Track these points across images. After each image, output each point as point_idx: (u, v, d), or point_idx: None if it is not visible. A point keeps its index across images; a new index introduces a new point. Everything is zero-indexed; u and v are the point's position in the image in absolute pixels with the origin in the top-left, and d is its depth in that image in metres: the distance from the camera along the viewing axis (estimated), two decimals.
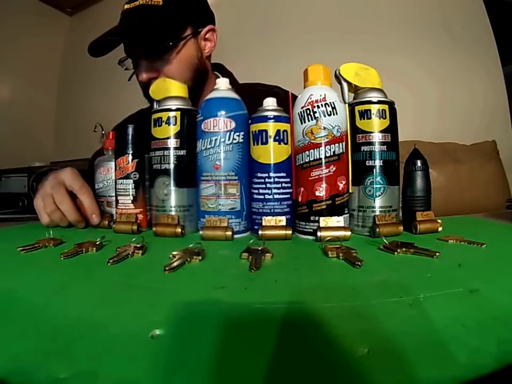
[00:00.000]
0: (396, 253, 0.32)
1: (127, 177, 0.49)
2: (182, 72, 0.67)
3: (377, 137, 0.42)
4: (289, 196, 0.44)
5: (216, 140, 0.44)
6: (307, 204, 0.42)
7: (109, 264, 0.30)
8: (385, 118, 0.42)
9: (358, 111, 0.43)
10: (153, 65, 0.65)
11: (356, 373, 0.15)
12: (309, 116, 0.41)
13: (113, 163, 0.54)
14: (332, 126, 0.41)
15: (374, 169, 0.42)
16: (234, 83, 0.79)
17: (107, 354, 0.16)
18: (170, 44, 0.65)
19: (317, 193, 0.41)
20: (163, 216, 0.45)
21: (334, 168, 0.41)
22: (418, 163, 0.45)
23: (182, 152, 0.46)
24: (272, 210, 0.44)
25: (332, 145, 0.41)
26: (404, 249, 0.33)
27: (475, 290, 0.23)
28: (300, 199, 0.43)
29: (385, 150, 0.42)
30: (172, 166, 0.46)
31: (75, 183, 0.50)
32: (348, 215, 0.43)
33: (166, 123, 0.46)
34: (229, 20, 2.00)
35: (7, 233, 0.52)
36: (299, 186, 0.43)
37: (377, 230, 0.39)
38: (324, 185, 0.41)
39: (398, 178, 0.44)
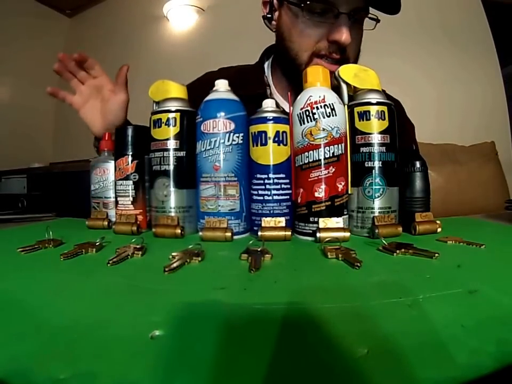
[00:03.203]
0: (395, 253, 0.33)
1: (126, 178, 0.49)
2: (357, 49, 0.61)
3: (376, 138, 0.42)
4: (288, 197, 0.45)
5: (215, 141, 0.44)
6: (306, 205, 0.42)
7: (108, 265, 0.30)
8: (384, 119, 0.42)
9: (357, 112, 0.43)
10: (350, 30, 0.55)
11: (355, 373, 0.15)
12: (308, 117, 0.41)
13: (109, 164, 0.54)
14: (331, 127, 0.41)
15: (373, 170, 0.42)
16: None
17: (107, 355, 0.16)
18: (378, 19, 0.58)
19: (316, 194, 0.41)
20: (163, 217, 0.45)
21: (333, 169, 0.41)
22: (417, 164, 0.45)
23: (182, 154, 0.46)
24: (271, 211, 0.44)
25: (331, 147, 0.41)
26: (403, 250, 0.33)
27: (474, 291, 0.23)
28: (299, 200, 0.43)
29: (384, 151, 0.42)
30: (171, 167, 0.46)
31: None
32: (347, 216, 0.43)
33: (165, 124, 0.46)
34: (229, 21, 2.00)
35: (7, 234, 0.52)
36: (298, 188, 0.43)
37: (377, 231, 0.39)
38: (323, 186, 0.41)
39: (397, 179, 0.44)
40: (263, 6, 0.66)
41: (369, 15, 0.58)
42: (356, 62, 0.62)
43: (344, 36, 0.53)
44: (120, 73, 0.60)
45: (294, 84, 0.62)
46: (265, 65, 0.75)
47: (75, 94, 0.62)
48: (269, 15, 0.64)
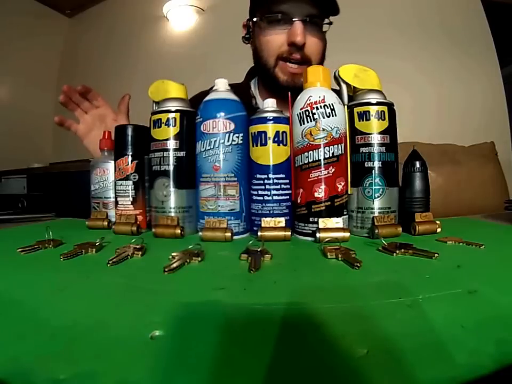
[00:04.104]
0: (394, 254, 0.33)
1: (126, 178, 0.49)
2: (319, 51, 0.67)
3: (376, 138, 0.42)
4: (288, 197, 0.45)
5: (215, 141, 0.44)
6: (306, 205, 0.42)
7: (108, 265, 0.30)
8: (384, 120, 0.42)
9: (357, 112, 0.43)
10: (306, 33, 0.63)
11: (355, 373, 0.15)
12: (308, 117, 0.41)
13: (109, 164, 0.54)
14: (330, 127, 0.41)
15: (373, 171, 0.42)
16: None
17: (107, 355, 0.16)
18: (327, 20, 0.67)
19: (316, 195, 0.41)
20: (162, 217, 0.45)
21: (333, 170, 0.41)
22: (417, 164, 0.45)
23: (182, 154, 0.46)
24: (271, 212, 0.44)
25: (330, 147, 0.41)
26: (402, 250, 0.33)
27: (474, 291, 0.23)
28: (299, 200, 0.43)
29: (384, 151, 0.42)
30: (171, 167, 0.46)
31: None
32: (346, 216, 0.43)
33: (165, 124, 0.46)
34: (229, 21, 2.00)
35: (6, 234, 0.52)
36: (298, 188, 0.43)
37: (376, 231, 0.39)
38: (322, 186, 0.41)
39: (397, 179, 0.44)
40: (243, 28, 0.76)
41: (326, 20, 0.67)
42: (321, 64, 0.68)
43: (298, 37, 0.61)
44: (122, 102, 0.66)
45: (272, 91, 0.71)
46: (252, 83, 0.82)
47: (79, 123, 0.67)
48: (247, 35, 0.74)
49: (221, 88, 0.46)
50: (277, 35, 0.65)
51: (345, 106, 0.44)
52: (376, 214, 0.42)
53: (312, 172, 0.41)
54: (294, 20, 0.62)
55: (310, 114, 0.41)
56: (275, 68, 0.66)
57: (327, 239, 0.37)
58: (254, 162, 0.45)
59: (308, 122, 0.41)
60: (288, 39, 0.63)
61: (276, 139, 0.44)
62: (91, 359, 0.16)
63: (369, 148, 0.42)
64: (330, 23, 0.69)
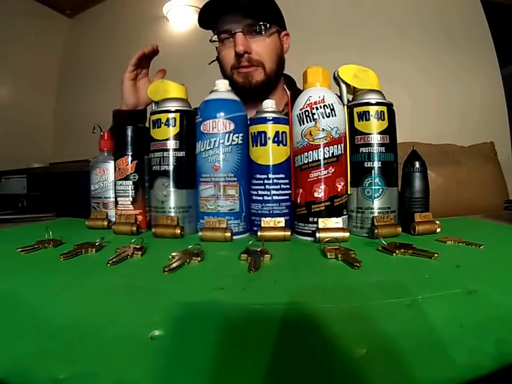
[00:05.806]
0: (394, 254, 0.33)
1: (126, 178, 0.49)
2: (269, 53, 0.73)
3: (375, 138, 0.42)
4: (288, 197, 0.45)
5: (215, 141, 0.44)
6: (306, 205, 0.42)
7: (108, 265, 0.30)
8: (384, 120, 0.42)
9: (357, 112, 0.43)
10: (248, 41, 0.70)
11: (355, 373, 0.15)
12: (308, 118, 0.41)
13: (109, 164, 0.54)
14: (330, 127, 0.41)
15: (373, 171, 0.42)
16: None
17: (107, 355, 0.16)
18: (267, 25, 0.72)
19: (316, 195, 0.41)
20: (162, 217, 0.45)
21: (333, 170, 0.41)
22: (417, 164, 0.45)
23: (181, 154, 0.46)
24: (271, 212, 0.44)
25: (330, 147, 0.41)
26: (402, 250, 0.33)
27: (473, 291, 0.23)
28: (298, 201, 0.43)
29: (384, 151, 0.42)
30: (171, 168, 0.46)
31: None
32: (346, 216, 0.43)
33: (165, 124, 0.46)
34: None
35: (6, 234, 0.52)
36: (298, 188, 0.43)
37: (376, 231, 0.39)
38: (322, 186, 0.41)
39: (397, 179, 0.44)
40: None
41: (269, 26, 0.72)
42: (279, 67, 0.76)
43: (238, 47, 0.69)
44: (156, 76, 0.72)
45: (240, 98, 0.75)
46: None
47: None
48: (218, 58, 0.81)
49: (221, 89, 0.46)
50: (228, 50, 0.73)
51: (345, 107, 0.44)
52: (375, 214, 0.42)
53: (312, 172, 0.41)
54: (234, 32, 0.70)
55: (310, 115, 0.41)
56: (233, 76, 0.73)
57: (326, 239, 0.37)
58: (253, 162, 0.45)
59: (307, 122, 0.41)
60: (234, 51, 0.71)
61: (276, 139, 0.44)
62: (91, 359, 0.16)
63: (369, 148, 0.42)
64: (271, 26, 0.74)
